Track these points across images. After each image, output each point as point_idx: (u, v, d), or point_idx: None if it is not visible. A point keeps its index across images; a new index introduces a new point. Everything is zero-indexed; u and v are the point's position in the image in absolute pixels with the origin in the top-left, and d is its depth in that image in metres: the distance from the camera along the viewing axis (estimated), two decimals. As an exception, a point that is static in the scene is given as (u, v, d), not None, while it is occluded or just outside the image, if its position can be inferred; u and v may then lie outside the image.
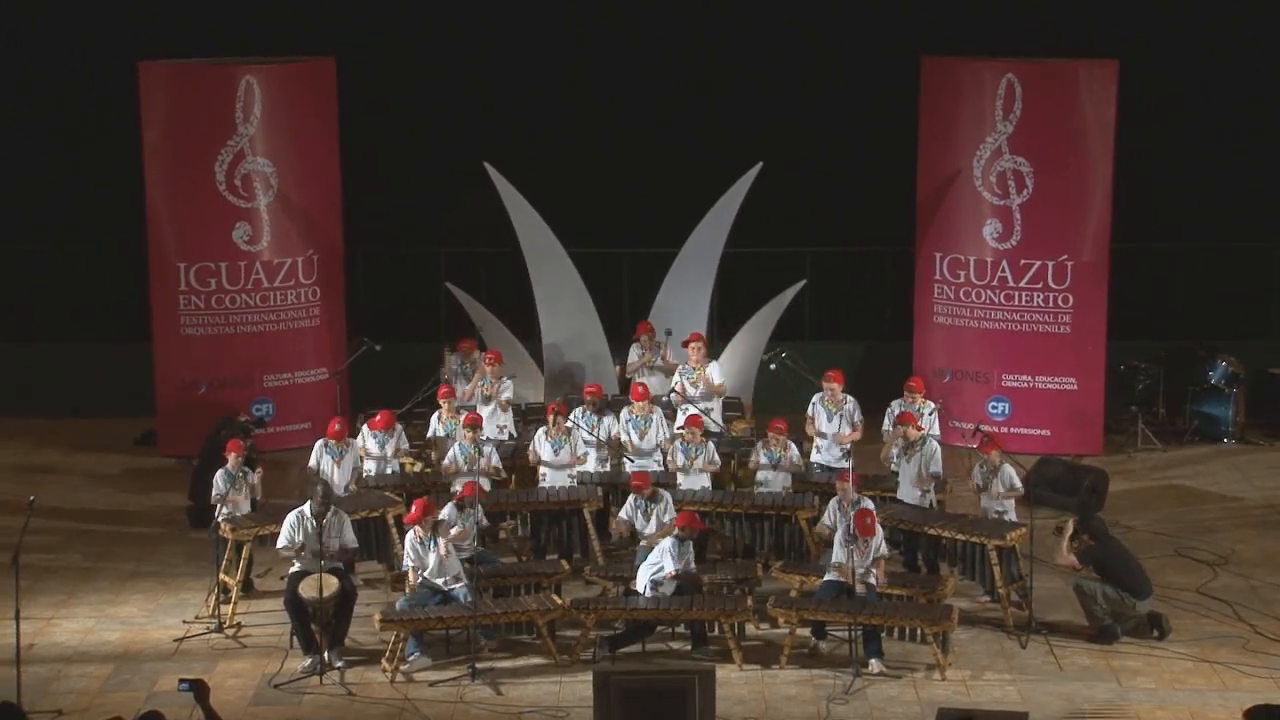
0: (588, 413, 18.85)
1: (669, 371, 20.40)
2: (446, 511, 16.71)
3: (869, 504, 16.63)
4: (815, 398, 18.93)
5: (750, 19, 26.71)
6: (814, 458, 18.86)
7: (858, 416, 18.80)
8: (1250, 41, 25.60)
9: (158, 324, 21.86)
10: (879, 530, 16.20)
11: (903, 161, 22.31)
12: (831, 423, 18.78)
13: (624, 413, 18.94)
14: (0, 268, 23.94)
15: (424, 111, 26.14)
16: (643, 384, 19.22)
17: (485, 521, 17.05)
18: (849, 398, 18.85)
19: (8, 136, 25.57)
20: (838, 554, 16.19)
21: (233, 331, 21.85)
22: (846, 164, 25.46)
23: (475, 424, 18.29)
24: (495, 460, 18.19)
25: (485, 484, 17.86)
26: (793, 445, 18.21)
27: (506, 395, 19.75)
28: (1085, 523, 16.85)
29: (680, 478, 18.06)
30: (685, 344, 20.14)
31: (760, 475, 18.17)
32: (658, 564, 16.23)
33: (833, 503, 16.65)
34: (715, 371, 19.92)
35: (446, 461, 18.23)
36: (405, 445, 18.86)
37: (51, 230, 24.88)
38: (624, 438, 18.69)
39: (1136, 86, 21.84)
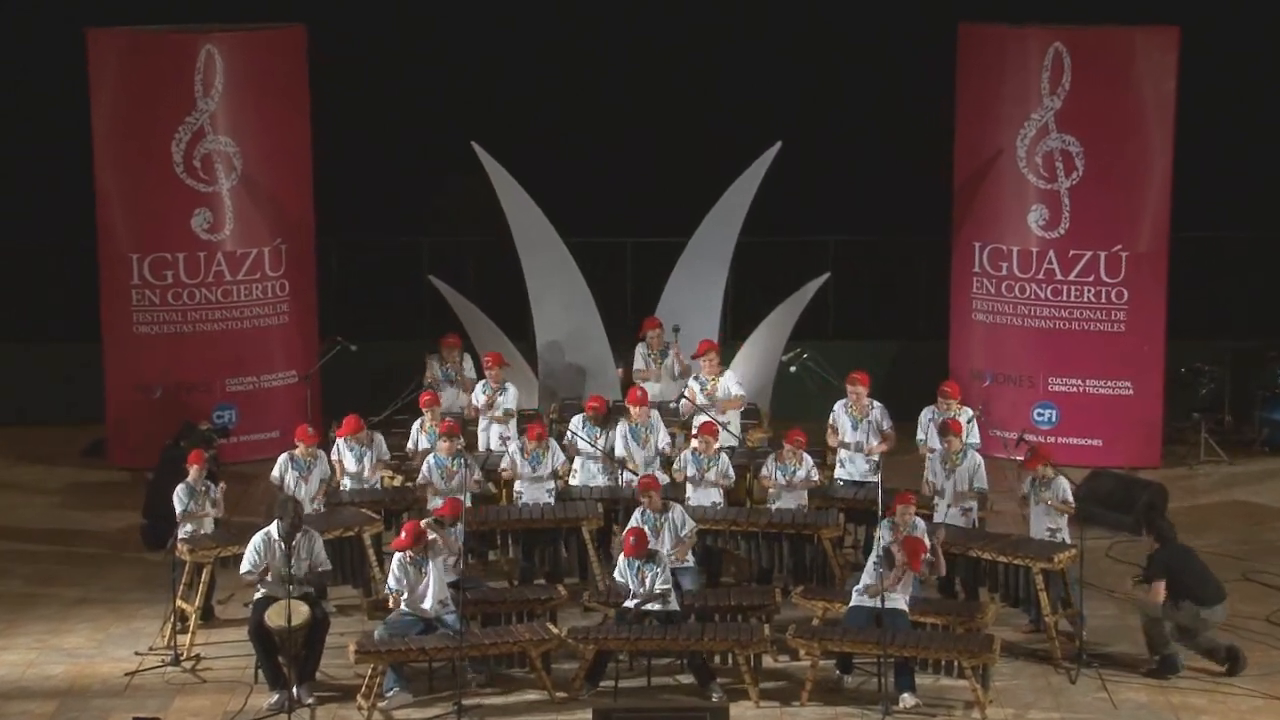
0: (588, 424, 18.87)
1: (684, 374, 20.43)
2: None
3: (922, 530, 16.62)
4: (838, 404, 18.92)
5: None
6: (838, 472, 18.85)
7: (886, 424, 18.79)
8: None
9: (107, 322, 21.91)
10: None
11: (938, 141, 22.32)
12: (856, 432, 18.76)
13: (620, 425, 18.93)
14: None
15: (405, 84, 26.11)
16: (642, 389, 19.24)
17: (459, 544, 16.95)
18: (875, 403, 18.83)
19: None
20: (868, 575, 16.21)
21: (191, 330, 21.91)
22: (875, 143, 25.41)
23: (452, 433, 18.28)
24: (476, 474, 18.17)
25: (466, 499, 17.87)
26: (808, 459, 18.21)
27: (508, 405, 19.77)
28: (1151, 524, 16.89)
29: (690, 490, 18.08)
30: (695, 356, 20.11)
31: (773, 493, 18.18)
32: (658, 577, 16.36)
33: (884, 524, 16.54)
34: (732, 383, 19.87)
35: (421, 477, 18.26)
36: (386, 457, 18.89)
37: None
38: (620, 452, 18.68)
39: (1200, 56, 21.85)
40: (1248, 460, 22.17)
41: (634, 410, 18.78)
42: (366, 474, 18.61)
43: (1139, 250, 21.42)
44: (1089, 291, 21.56)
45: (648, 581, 16.30)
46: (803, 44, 26.29)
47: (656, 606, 16.28)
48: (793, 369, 20.50)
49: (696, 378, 19.92)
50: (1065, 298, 21.63)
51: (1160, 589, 16.38)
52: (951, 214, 22.25)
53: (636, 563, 16.37)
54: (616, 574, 16.59)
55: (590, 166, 25.73)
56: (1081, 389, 21.71)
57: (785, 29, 26.47)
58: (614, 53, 26.28)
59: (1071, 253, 21.55)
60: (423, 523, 16.60)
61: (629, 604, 16.33)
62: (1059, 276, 21.62)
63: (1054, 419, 21.76)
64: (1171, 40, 21.16)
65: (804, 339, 21.60)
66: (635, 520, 17.02)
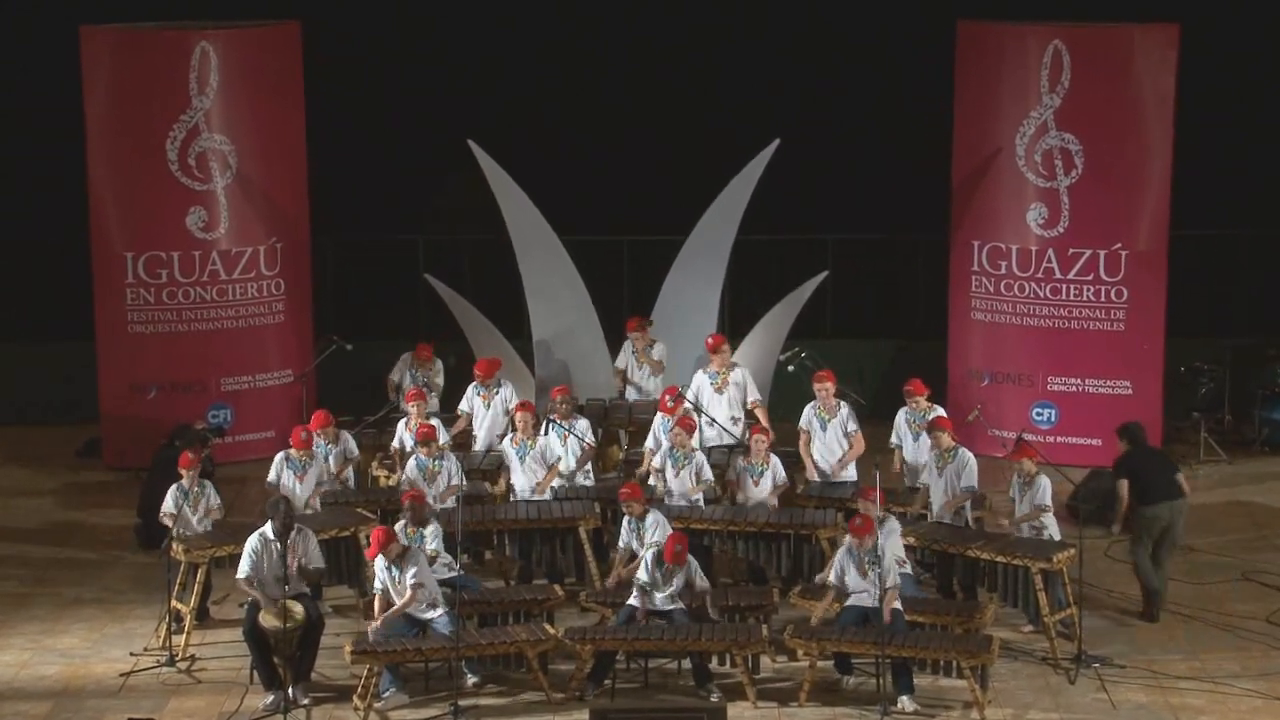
0: (555, 420, 18.84)
1: (656, 372, 20.46)
2: (400, 528, 16.78)
3: (893, 527, 16.68)
4: (809, 407, 18.89)
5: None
6: (814, 476, 18.82)
7: (851, 425, 18.75)
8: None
9: (101, 321, 21.87)
10: (879, 543, 16.19)
11: (937, 138, 22.29)
12: (826, 432, 18.76)
13: (658, 419, 18.93)
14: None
15: (401, 82, 26.11)
16: (690, 419, 18.77)
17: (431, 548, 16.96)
18: (842, 403, 18.83)
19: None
20: (839, 577, 16.26)
21: (186, 329, 21.87)
22: (874, 141, 25.41)
23: (428, 438, 18.24)
24: (456, 478, 18.15)
25: (449, 500, 17.88)
26: (776, 459, 18.19)
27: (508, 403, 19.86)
28: (1124, 428, 17.39)
29: (670, 490, 18.07)
30: (711, 351, 19.96)
31: (741, 497, 18.14)
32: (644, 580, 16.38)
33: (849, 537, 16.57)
34: (747, 379, 19.81)
35: (404, 478, 18.23)
36: (354, 456, 18.87)
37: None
38: (658, 465, 18.58)
39: (1200, 55, 21.80)
40: (1247, 460, 22.13)
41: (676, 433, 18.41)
42: (332, 472, 18.55)
43: (1138, 249, 21.38)
44: (1088, 290, 21.51)
45: (675, 583, 16.29)
46: (802, 43, 26.28)
47: (672, 605, 16.30)
48: (790, 369, 20.48)
49: (705, 370, 19.86)
50: (1064, 296, 21.59)
51: (1124, 487, 17.02)
52: (950, 213, 22.20)
53: (668, 565, 16.34)
54: (620, 540, 16.65)
55: (588, 165, 25.72)
56: (1081, 388, 21.67)
57: (785, 29, 26.46)
58: (614, 52, 26.28)
59: (1070, 251, 21.51)
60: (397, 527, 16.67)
61: (657, 602, 16.35)
62: (1058, 275, 21.58)
63: (1053, 418, 21.72)
64: (1171, 38, 21.11)
65: (802, 338, 21.56)
66: (624, 531, 17.05)
